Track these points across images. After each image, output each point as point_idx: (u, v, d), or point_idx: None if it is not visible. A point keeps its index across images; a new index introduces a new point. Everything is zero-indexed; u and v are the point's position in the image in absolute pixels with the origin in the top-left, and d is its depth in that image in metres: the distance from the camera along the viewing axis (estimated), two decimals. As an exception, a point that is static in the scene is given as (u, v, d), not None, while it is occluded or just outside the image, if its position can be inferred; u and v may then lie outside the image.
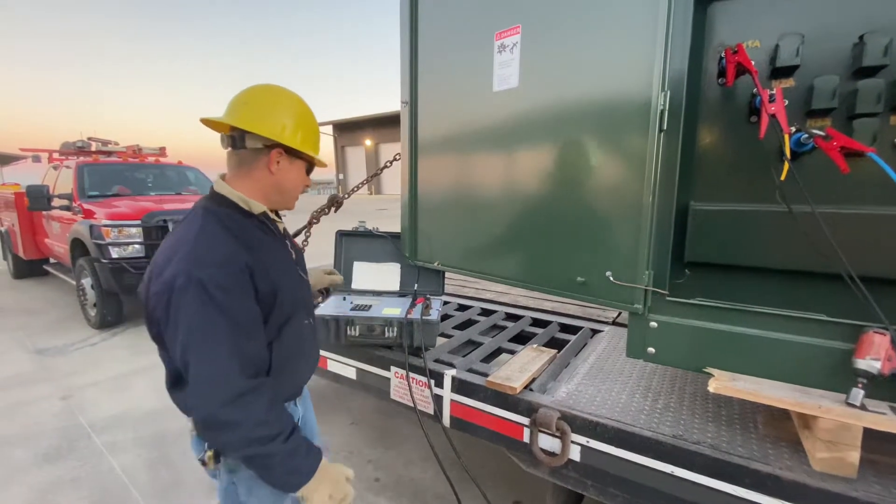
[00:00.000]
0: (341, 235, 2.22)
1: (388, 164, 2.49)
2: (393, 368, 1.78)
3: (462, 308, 2.57)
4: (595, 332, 2.16)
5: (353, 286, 2.19)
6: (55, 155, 7.18)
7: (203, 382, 0.90)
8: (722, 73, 1.80)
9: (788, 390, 1.18)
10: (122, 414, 3.16)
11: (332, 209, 2.36)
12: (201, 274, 0.89)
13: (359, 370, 1.91)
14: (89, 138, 7.58)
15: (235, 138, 1.03)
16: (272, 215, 1.13)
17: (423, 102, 1.94)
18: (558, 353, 1.81)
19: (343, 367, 1.98)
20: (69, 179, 5.76)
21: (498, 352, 1.99)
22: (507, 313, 2.43)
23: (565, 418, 1.37)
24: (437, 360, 1.81)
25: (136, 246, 4.71)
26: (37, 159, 7.58)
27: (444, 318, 2.38)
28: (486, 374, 1.66)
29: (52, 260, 6.67)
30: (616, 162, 1.34)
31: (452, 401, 1.63)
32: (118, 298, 4.85)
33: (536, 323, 2.31)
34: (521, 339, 2.15)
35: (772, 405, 1.14)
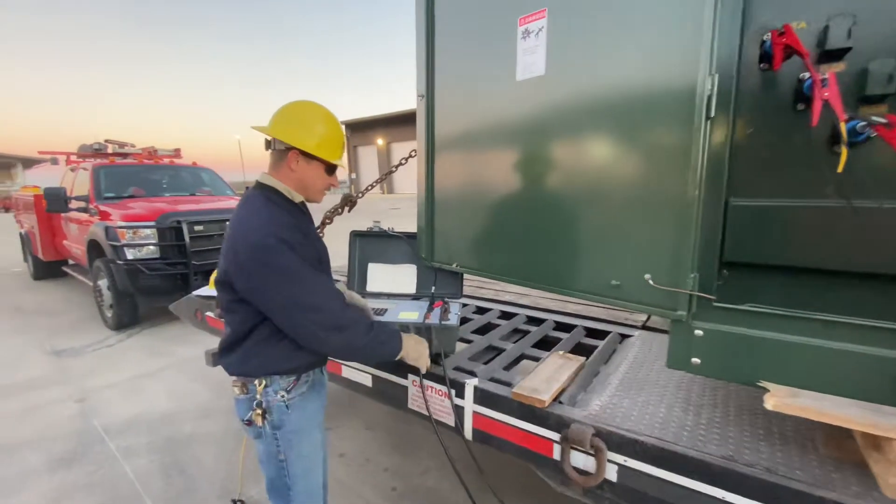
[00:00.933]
0: (355, 236, 2.12)
1: (404, 161, 2.39)
2: (410, 377, 1.68)
3: (481, 311, 2.46)
4: (624, 336, 2.03)
5: (368, 289, 2.09)
6: (73, 157, 7.26)
7: (321, 304, 1.20)
8: (764, 57, 1.67)
9: (857, 408, 1.05)
10: (136, 417, 3.13)
11: (346, 209, 2.27)
12: (284, 234, 1.17)
13: (375, 377, 1.82)
14: (106, 140, 7.67)
15: (269, 141, 1.30)
16: (307, 206, 1.42)
17: (440, 95, 1.84)
18: (586, 360, 1.69)
19: (358, 373, 1.89)
20: (86, 181, 5.81)
21: (521, 358, 1.88)
22: (528, 316, 2.31)
23: (600, 435, 1.26)
24: (457, 368, 1.70)
25: (151, 247, 4.71)
26: (55, 162, 7.67)
27: (463, 321, 2.28)
28: (510, 384, 1.55)
29: (70, 261, 6.74)
30: (657, 153, 1.22)
31: (475, 412, 1.52)
32: (133, 300, 4.86)
33: (560, 327, 2.19)
34: (545, 344, 2.04)
35: (838, 425, 1.01)
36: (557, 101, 1.43)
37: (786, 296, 1.40)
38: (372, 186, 2.31)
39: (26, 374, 3.86)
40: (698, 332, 1.21)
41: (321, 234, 2.32)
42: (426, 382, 1.63)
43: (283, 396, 1.30)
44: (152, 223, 4.73)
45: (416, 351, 1.46)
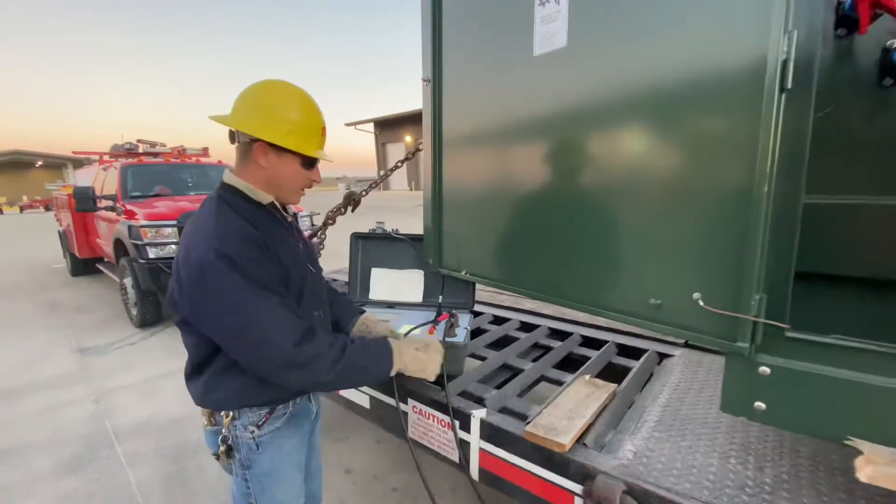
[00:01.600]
0: (357, 238, 1.93)
1: (410, 156, 2.17)
2: (411, 402, 1.47)
3: (497, 321, 2.23)
4: (663, 356, 1.75)
5: (371, 296, 1.90)
6: (105, 157, 7.43)
7: (270, 337, 0.97)
8: (843, 21, 1.37)
9: None
10: (147, 420, 3.07)
11: (350, 208, 2.08)
12: (228, 249, 0.95)
13: (372, 399, 1.62)
14: (138, 141, 7.83)
15: (232, 133, 1.08)
16: (280, 207, 1.18)
17: (449, 78, 1.61)
18: (618, 387, 1.43)
19: (357, 393, 1.70)
20: (115, 181, 5.90)
21: (540, 380, 1.64)
22: (550, 329, 2.06)
23: (633, 493, 1.00)
24: (463, 394, 1.48)
25: (173, 246, 4.70)
26: (88, 162, 7.90)
27: (476, 333, 2.05)
28: (524, 416, 1.32)
29: (105, 259, 6.92)
30: (713, 138, 0.95)
31: (482, 450, 1.30)
32: (156, 298, 4.87)
33: (588, 342, 1.93)
34: (570, 363, 1.78)
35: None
36: (583, 78, 1.17)
37: (877, 320, 1.11)
38: (372, 187, 2.10)
39: (50, 372, 3.90)
40: (764, 370, 0.94)
41: (322, 238, 2.14)
42: (427, 410, 1.42)
43: (252, 433, 1.11)
44: (174, 222, 4.72)
45: (418, 361, 1.21)
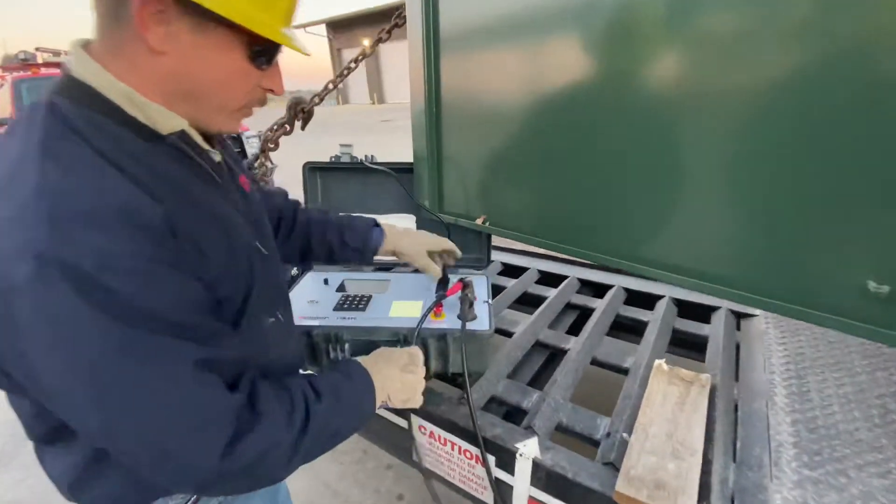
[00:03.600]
0: (312, 171, 1.32)
1: (364, 55, 1.49)
2: (415, 419, 1.00)
3: (509, 270, 1.73)
4: (741, 315, 1.32)
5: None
6: (-3, 71, 6.09)
7: (175, 443, 0.47)
8: None
9: None
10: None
11: (298, 121, 1.42)
12: (72, 251, 0.42)
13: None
14: (37, 49, 6.48)
15: None
16: (200, 140, 0.58)
17: None
18: (711, 379, 0.99)
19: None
20: (8, 100, 4.80)
21: (592, 364, 1.18)
22: (580, 279, 1.58)
23: None
24: (492, 401, 1.02)
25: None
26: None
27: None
28: (591, 440, 0.88)
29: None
30: None
31: (532, 499, 0.86)
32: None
33: (632, 298, 1.47)
34: (621, 329, 1.34)
35: None
36: None
37: None
38: (323, 94, 1.43)
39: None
40: None
41: (264, 171, 1.51)
42: (442, 434, 0.95)
43: None
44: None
45: (405, 389, 0.79)
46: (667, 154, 0.83)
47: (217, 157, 0.63)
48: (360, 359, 0.78)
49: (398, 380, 0.77)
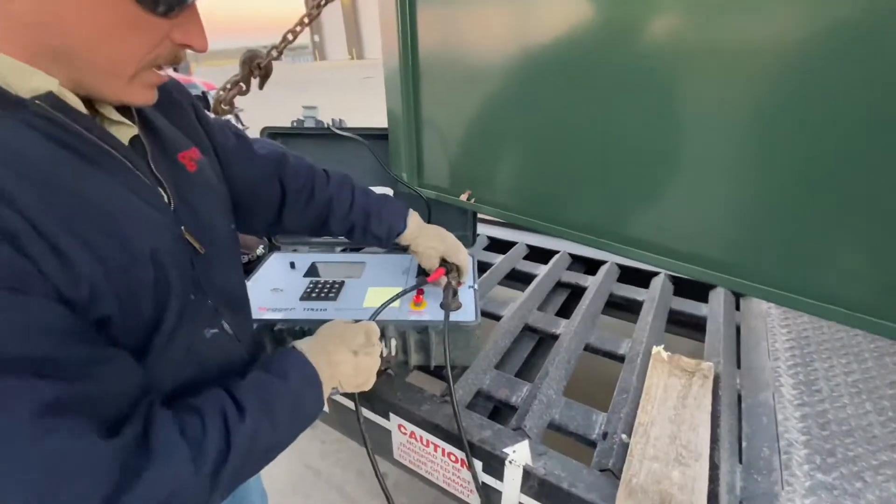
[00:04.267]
0: (273, 136, 1.15)
1: (313, 11, 1.29)
2: (395, 418, 0.91)
3: (495, 244, 1.62)
4: (740, 294, 1.25)
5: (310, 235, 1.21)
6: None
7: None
8: None
9: None
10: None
11: (255, 77, 1.24)
12: None
13: (334, 403, 1.04)
14: None
15: None
16: (80, 106, 0.42)
17: None
18: (713, 367, 0.92)
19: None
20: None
21: (585, 350, 1.09)
22: (571, 255, 1.48)
23: None
24: (478, 396, 0.93)
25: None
26: None
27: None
28: (587, 441, 0.81)
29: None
30: None
31: (523, 506, 0.79)
32: None
33: (626, 273, 1.38)
34: (616, 309, 1.26)
35: None
36: None
37: None
38: (283, 45, 1.23)
39: None
40: None
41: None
42: (424, 436, 0.87)
43: None
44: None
45: (358, 374, 0.68)
46: (664, 130, 0.72)
47: (129, 132, 0.49)
48: (304, 342, 0.66)
49: (351, 364, 0.66)
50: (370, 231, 0.87)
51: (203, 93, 4.38)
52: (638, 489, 0.67)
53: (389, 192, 1.21)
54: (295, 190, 0.83)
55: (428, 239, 0.90)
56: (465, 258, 0.92)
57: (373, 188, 1.18)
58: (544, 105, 0.85)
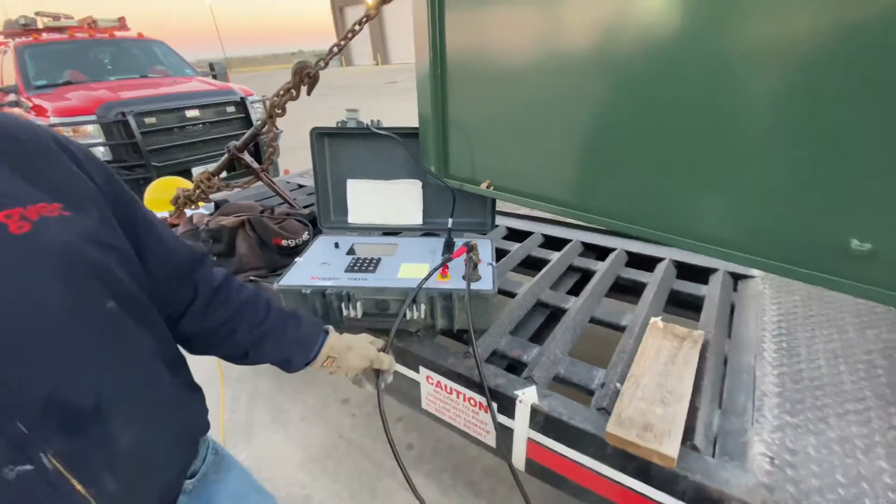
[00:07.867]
0: (320, 136, 1.34)
1: (368, 17, 1.47)
2: (424, 370, 1.07)
3: (514, 234, 1.77)
4: (738, 277, 1.36)
5: (350, 220, 1.39)
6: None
7: None
8: None
9: None
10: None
11: (304, 85, 1.44)
12: None
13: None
14: (37, 13, 6.34)
15: None
16: None
17: None
18: (705, 336, 1.04)
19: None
20: (13, 67, 4.76)
21: (592, 322, 1.23)
22: (583, 243, 1.61)
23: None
24: (495, 355, 1.08)
25: (101, 149, 3.89)
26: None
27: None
28: (587, 390, 0.94)
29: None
30: None
31: (532, 441, 0.93)
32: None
33: (634, 260, 1.51)
34: (621, 291, 1.39)
35: None
36: None
37: None
38: (333, 55, 1.43)
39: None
40: None
41: (272, 136, 1.53)
42: (449, 384, 1.03)
43: None
44: (92, 117, 3.84)
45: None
46: (670, 117, 0.84)
47: None
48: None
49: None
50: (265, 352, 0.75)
51: (241, 98, 4.63)
52: (626, 420, 0.81)
53: (419, 183, 1.37)
54: (201, 287, 0.70)
55: (350, 360, 0.84)
56: (386, 363, 0.90)
57: (405, 181, 1.35)
58: (556, 102, 0.99)
